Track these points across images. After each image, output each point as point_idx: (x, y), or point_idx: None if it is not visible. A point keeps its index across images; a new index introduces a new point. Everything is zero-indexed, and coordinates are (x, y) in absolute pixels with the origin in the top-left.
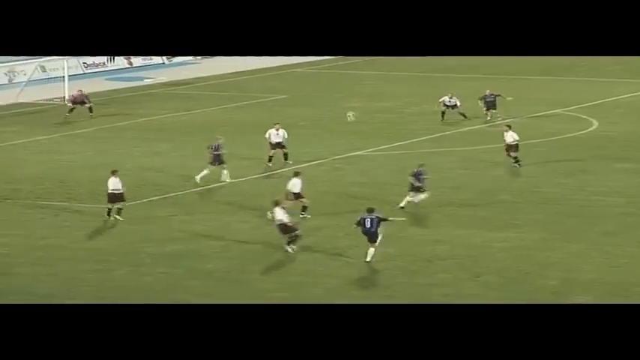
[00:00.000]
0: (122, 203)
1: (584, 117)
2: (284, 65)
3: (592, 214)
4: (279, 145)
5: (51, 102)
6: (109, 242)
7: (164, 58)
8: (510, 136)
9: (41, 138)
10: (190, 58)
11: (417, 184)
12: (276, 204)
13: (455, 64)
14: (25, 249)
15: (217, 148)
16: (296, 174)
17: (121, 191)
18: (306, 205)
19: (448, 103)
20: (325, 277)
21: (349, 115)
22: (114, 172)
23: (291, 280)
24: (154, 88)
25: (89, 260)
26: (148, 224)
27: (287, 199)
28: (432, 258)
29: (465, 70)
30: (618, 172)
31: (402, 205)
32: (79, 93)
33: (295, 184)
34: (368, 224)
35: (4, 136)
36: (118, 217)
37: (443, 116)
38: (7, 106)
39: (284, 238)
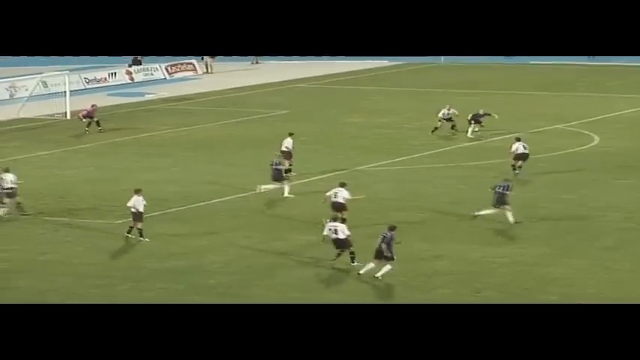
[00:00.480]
0: (141, 224)
1: (585, 132)
2: (285, 81)
3: (593, 229)
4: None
5: (52, 117)
6: (110, 258)
7: (166, 73)
8: (521, 147)
9: (42, 153)
10: (191, 73)
11: (502, 199)
12: (334, 219)
13: (455, 81)
14: (26, 264)
15: (277, 164)
16: (342, 184)
17: (140, 211)
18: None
19: (445, 116)
20: (326, 293)
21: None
22: (137, 192)
23: (293, 296)
24: (154, 104)
25: (90, 276)
26: (150, 240)
27: (324, 201)
28: (431, 273)
29: (464, 86)
30: (619, 188)
31: (476, 213)
32: (93, 108)
33: (339, 194)
34: (384, 241)
35: (6, 151)
36: (141, 238)
37: (435, 130)
38: (8, 121)
39: (342, 253)
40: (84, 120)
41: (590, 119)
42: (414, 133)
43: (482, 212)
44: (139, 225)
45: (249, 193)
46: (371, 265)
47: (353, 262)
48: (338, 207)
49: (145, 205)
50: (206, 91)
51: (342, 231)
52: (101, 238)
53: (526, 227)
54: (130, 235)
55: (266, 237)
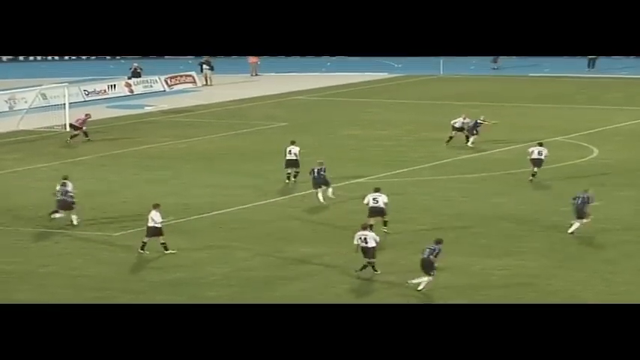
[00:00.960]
0: (162, 237)
1: (584, 144)
2: (284, 93)
3: (592, 241)
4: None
5: (51, 129)
6: (110, 270)
7: (165, 85)
8: (536, 152)
9: (41, 165)
10: (190, 85)
11: (584, 209)
12: (364, 227)
13: (453, 93)
14: (26, 276)
15: (320, 171)
16: (377, 189)
17: (158, 225)
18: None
19: (458, 125)
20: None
21: None
22: (155, 206)
23: None
24: (154, 116)
25: (90, 288)
26: (149, 252)
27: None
28: (431, 286)
29: (463, 98)
30: (618, 200)
31: (571, 230)
32: (86, 117)
33: (379, 199)
34: (427, 252)
35: (5, 163)
36: (167, 251)
37: (449, 140)
38: (7, 133)
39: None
40: (76, 130)
41: (590, 131)
42: (414, 145)
43: (574, 227)
44: (161, 239)
45: (249, 205)
46: (424, 278)
47: (375, 271)
48: (379, 212)
49: (162, 220)
50: (205, 103)
51: (374, 238)
52: (101, 250)
53: (526, 239)
54: (143, 252)
55: (266, 249)
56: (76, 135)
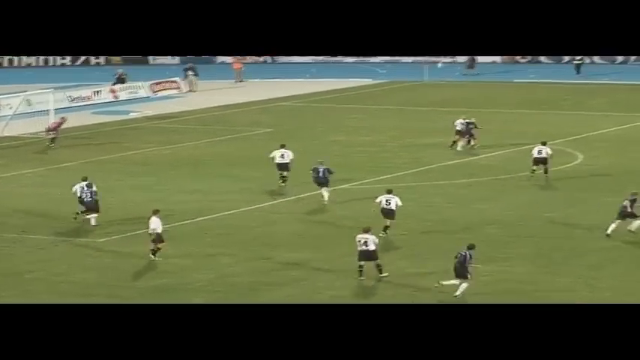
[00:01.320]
0: (162, 244)
1: (569, 150)
2: (269, 99)
3: (577, 248)
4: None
5: (36, 135)
6: (95, 276)
7: (150, 91)
8: (536, 152)
9: (26, 172)
10: (175, 92)
11: (630, 210)
12: (366, 230)
13: (438, 99)
14: (11, 282)
15: (322, 171)
16: (389, 191)
17: (158, 231)
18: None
19: (459, 127)
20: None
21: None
22: (155, 212)
23: None
24: (139, 122)
25: (75, 294)
26: (134, 258)
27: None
28: (416, 291)
29: (447, 104)
30: (602, 206)
31: (608, 232)
32: (62, 120)
33: (391, 201)
34: (460, 259)
35: None
36: (154, 257)
37: (453, 144)
38: None
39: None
40: (50, 133)
41: (574, 137)
42: (398, 151)
43: (635, 227)
44: (160, 245)
45: (235, 210)
46: (453, 281)
47: (382, 274)
48: (389, 214)
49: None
50: (190, 109)
51: (374, 242)
52: (86, 257)
53: (511, 245)
54: (155, 258)
55: (251, 255)
56: (53, 138)
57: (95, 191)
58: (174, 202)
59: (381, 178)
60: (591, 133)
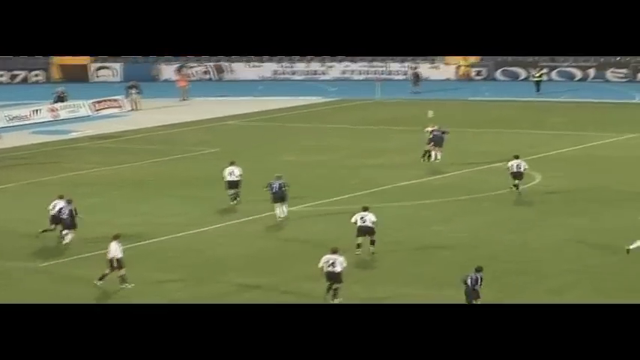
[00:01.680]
0: (122, 270)
1: (527, 171)
2: (215, 118)
3: (536, 271)
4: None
5: None
6: (34, 301)
7: (90, 110)
8: (515, 166)
9: None
10: (117, 110)
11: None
12: (334, 251)
13: (390, 117)
14: None
15: (277, 185)
16: (365, 208)
17: (118, 257)
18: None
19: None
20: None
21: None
22: (116, 237)
23: None
24: (80, 142)
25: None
26: (75, 284)
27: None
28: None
29: (400, 123)
30: (561, 229)
31: (630, 247)
32: None
33: (366, 218)
34: (469, 282)
35: None
36: (124, 284)
37: (425, 156)
38: None
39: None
40: None
41: (532, 157)
42: (351, 172)
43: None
44: (122, 272)
45: (182, 233)
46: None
47: (336, 298)
48: (367, 231)
49: (122, 250)
50: (134, 128)
51: (341, 264)
52: (25, 281)
53: (468, 268)
54: (100, 282)
55: (199, 278)
56: None
57: (72, 209)
58: (120, 224)
59: (335, 199)
60: (549, 153)
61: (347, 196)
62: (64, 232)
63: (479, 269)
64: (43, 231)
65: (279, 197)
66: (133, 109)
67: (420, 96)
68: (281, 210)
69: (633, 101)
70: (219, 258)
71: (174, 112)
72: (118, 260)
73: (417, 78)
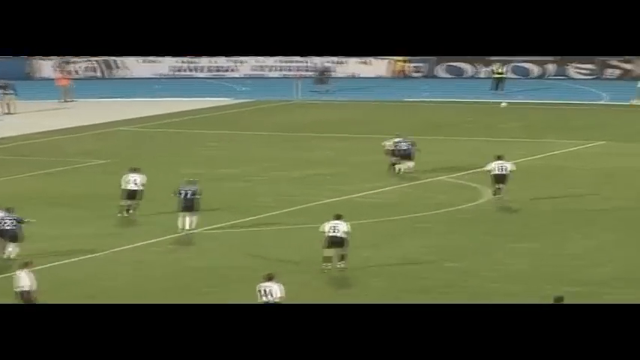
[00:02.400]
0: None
1: (474, 185)
2: (105, 123)
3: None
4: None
5: None
6: None
7: None
8: (497, 168)
9: None
10: None
11: None
12: (269, 278)
13: (310, 121)
14: None
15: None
16: (338, 216)
17: (29, 289)
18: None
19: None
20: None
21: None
22: (26, 265)
23: None
24: None
25: None
26: None
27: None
28: None
29: (322, 129)
30: (513, 254)
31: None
32: None
33: (338, 227)
34: None
35: None
36: None
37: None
38: None
39: None
40: None
41: (481, 169)
42: (267, 188)
43: None
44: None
45: (65, 261)
46: None
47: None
48: (337, 243)
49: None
50: (8, 135)
51: (276, 293)
52: None
53: (402, 298)
54: None
55: None
56: None
57: (17, 218)
58: None
59: (246, 220)
60: None
61: (265, 214)
62: (8, 245)
63: None
64: None
65: (188, 206)
66: (6, 113)
67: (345, 96)
68: (188, 221)
69: (600, 102)
70: (106, 290)
71: (56, 116)
72: (28, 293)
73: (322, 74)
